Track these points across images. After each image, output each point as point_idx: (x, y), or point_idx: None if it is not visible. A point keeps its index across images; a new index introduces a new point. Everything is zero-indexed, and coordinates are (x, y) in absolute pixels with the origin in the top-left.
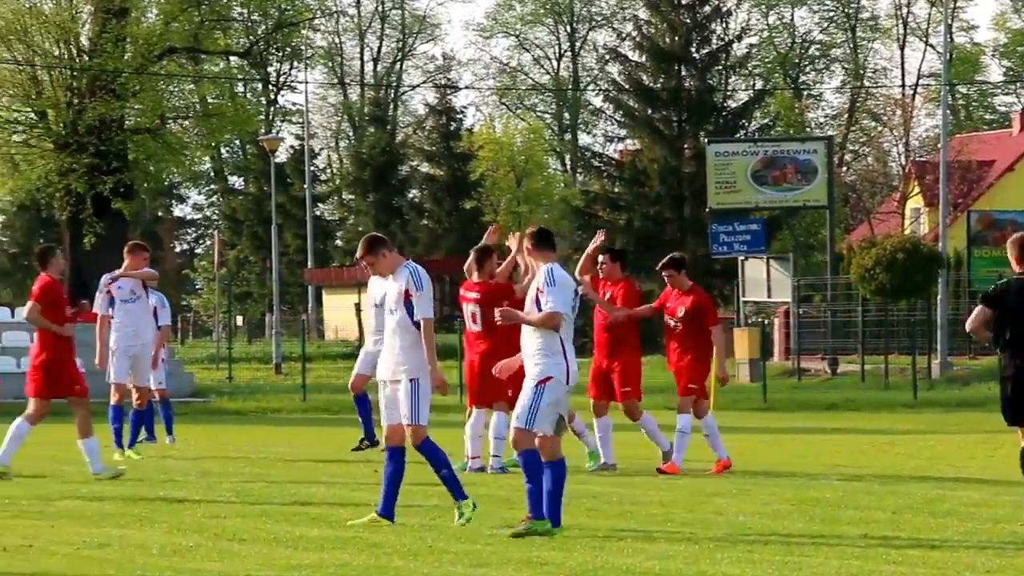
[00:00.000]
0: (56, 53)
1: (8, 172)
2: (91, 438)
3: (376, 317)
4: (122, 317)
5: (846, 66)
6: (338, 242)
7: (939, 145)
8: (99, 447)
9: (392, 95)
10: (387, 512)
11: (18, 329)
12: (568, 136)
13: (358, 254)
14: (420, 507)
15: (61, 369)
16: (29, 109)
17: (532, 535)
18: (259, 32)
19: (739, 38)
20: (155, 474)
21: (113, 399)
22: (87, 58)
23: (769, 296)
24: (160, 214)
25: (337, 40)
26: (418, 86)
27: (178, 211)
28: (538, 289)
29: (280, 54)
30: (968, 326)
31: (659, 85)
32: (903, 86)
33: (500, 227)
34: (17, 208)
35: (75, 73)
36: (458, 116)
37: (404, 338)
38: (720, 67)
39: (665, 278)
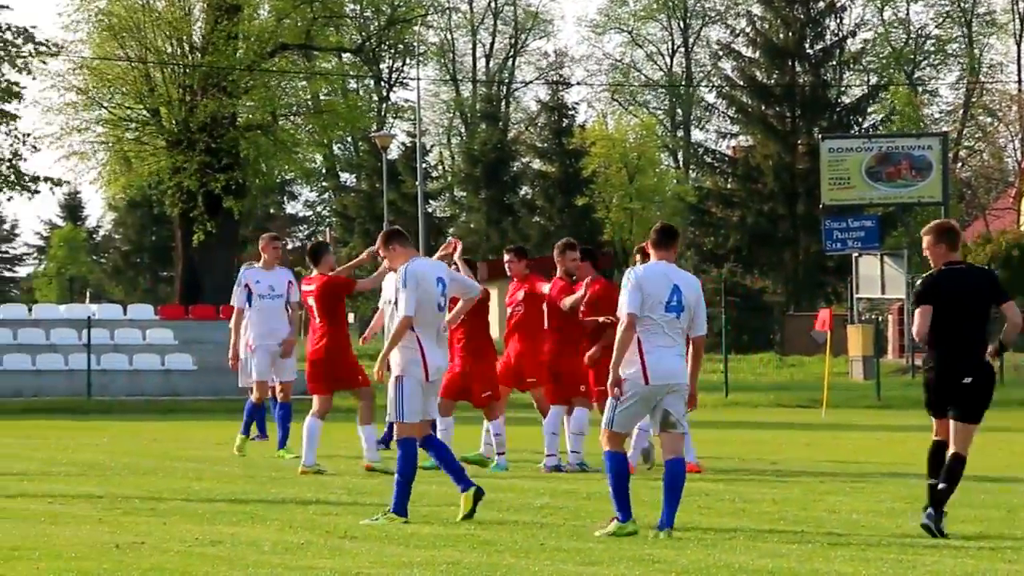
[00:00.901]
0: (169, 50)
1: (121, 169)
2: (370, 425)
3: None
4: (259, 313)
5: (962, 62)
6: (450, 237)
7: None
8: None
9: (504, 91)
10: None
11: (129, 327)
12: (681, 132)
13: (375, 247)
14: (531, 506)
15: (342, 362)
16: (142, 106)
17: (621, 536)
18: (371, 29)
19: (853, 34)
20: (266, 471)
21: (253, 396)
22: (199, 55)
23: (883, 293)
24: (272, 211)
25: (449, 36)
26: (530, 82)
27: (290, 208)
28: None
29: (392, 51)
30: (917, 332)
31: (773, 81)
32: (1020, 82)
33: (458, 242)
34: (129, 205)
35: (187, 70)
36: (570, 112)
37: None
38: (834, 63)
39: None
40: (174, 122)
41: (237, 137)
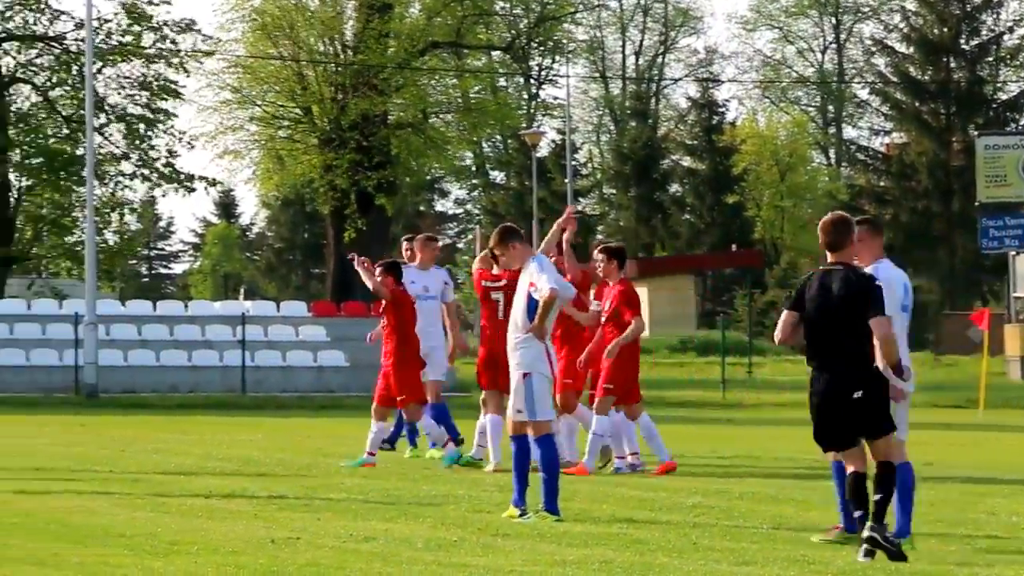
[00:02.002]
0: (321, 49)
1: (274, 167)
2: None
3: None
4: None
5: None
6: (599, 237)
7: None
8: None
9: (654, 89)
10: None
11: (282, 324)
12: (833, 129)
13: (491, 244)
14: (683, 505)
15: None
16: (294, 105)
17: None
18: (521, 26)
19: (1011, 29)
20: (419, 469)
21: (431, 397)
22: (351, 54)
23: None
24: (422, 209)
25: (599, 34)
26: (680, 79)
27: (439, 206)
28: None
29: (542, 48)
30: (777, 336)
31: (927, 77)
32: None
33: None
34: (282, 203)
35: (339, 69)
36: (720, 110)
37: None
38: (991, 59)
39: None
40: (326, 120)
41: (388, 135)
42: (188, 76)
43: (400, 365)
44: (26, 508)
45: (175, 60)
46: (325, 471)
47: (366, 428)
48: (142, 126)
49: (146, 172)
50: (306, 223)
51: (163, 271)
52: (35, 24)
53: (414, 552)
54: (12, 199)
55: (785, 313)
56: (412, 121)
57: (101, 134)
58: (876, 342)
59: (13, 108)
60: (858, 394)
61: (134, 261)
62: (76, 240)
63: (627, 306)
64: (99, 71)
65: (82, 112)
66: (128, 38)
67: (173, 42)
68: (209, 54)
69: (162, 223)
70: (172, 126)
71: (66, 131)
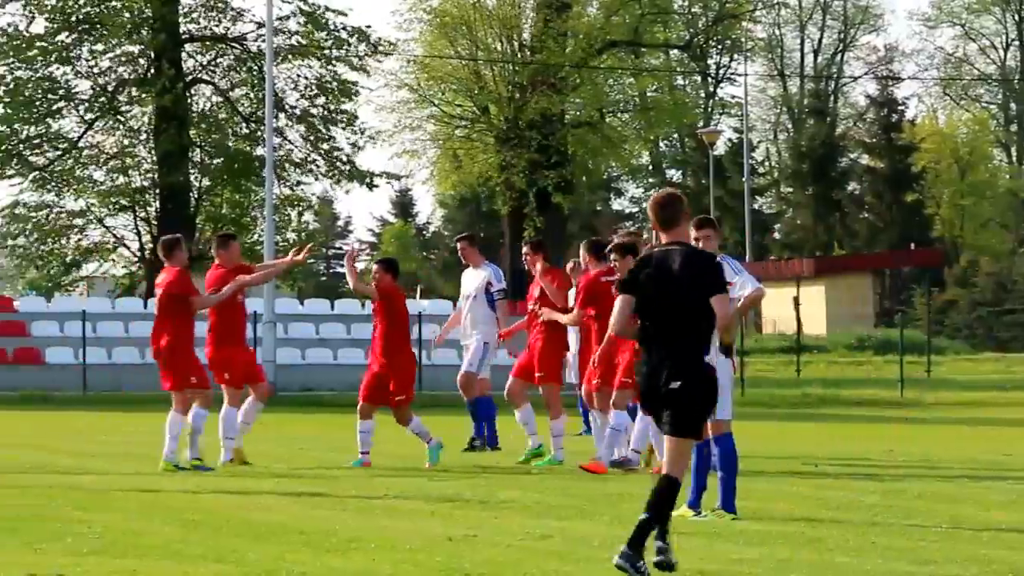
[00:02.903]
0: (499, 48)
1: (451, 166)
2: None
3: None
4: None
5: None
6: (776, 235)
7: None
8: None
9: (832, 87)
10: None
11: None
12: (1015, 127)
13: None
14: (861, 504)
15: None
16: (471, 104)
17: None
18: (699, 25)
19: None
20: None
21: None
22: (529, 53)
23: None
24: (598, 208)
25: (777, 32)
26: (859, 77)
27: (616, 204)
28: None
29: (720, 46)
30: (613, 327)
31: None
32: None
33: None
34: (459, 202)
35: (517, 68)
36: (900, 108)
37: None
38: None
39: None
40: (503, 119)
41: (565, 134)
42: (368, 76)
43: (398, 365)
44: (206, 505)
45: (354, 60)
46: (502, 469)
47: (540, 425)
48: (321, 124)
49: (325, 170)
50: (482, 222)
51: (341, 270)
52: (216, 25)
53: (590, 550)
54: (193, 199)
55: (620, 299)
56: (589, 120)
57: (280, 134)
58: (718, 321)
59: (194, 108)
60: (676, 384)
61: (312, 260)
62: (255, 239)
63: None
64: (278, 70)
65: (261, 112)
66: (306, 40)
67: (349, 44)
68: (388, 53)
69: (340, 222)
70: (351, 124)
71: (246, 131)
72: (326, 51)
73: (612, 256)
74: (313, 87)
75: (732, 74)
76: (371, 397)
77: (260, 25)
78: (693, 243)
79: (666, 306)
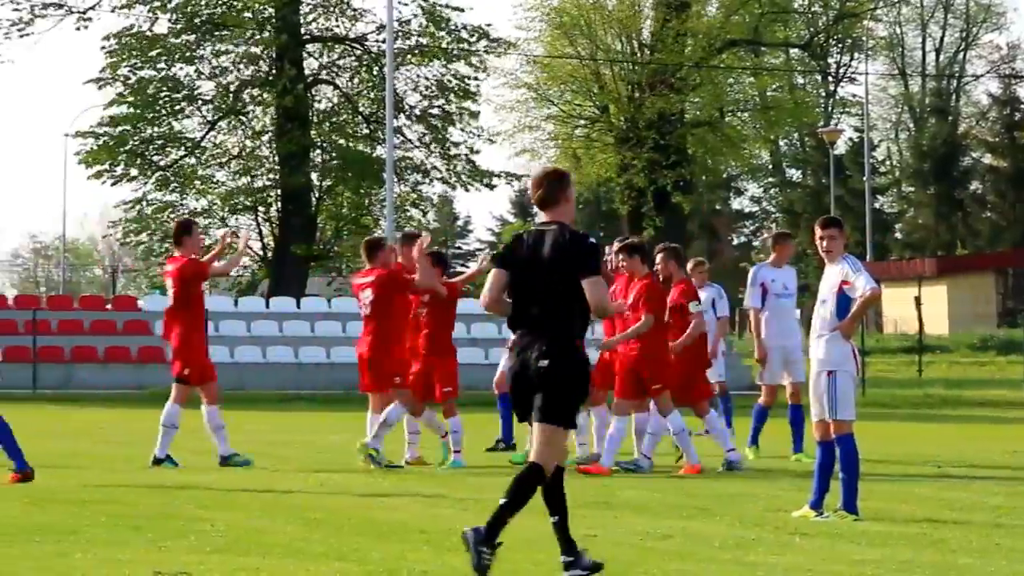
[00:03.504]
0: (618, 47)
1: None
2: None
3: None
4: (773, 313)
5: None
6: (897, 235)
7: None
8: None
9: (954, 85)
10: (816, 504)
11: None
12: None
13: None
14: (985, 505)
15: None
16: (591, 104)
17: None
18: (820, 24)
19: None
20: (714, 467)
21: (763, 400)
22: (648, 52)
23: None
24: (717, 207)
25: (898, 30)
26: (981, 76)
27: (736, 204)
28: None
29: (840, 45)
30: (483, 300)
31: None
32: None
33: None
34: (578, 202)
35: (636, 67)
36: (1023, 106)
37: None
38: None
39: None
40: (622, 119)
41: (684, 133)
42: (487, 76)
43: (446, 358)
44: (329, 504)
45: (474, 60)
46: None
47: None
48: (440, 124)
49: (445, 170)
50: (601, 222)
51: (461, 269)
52: (337, 26)
53: (711, 551)
54: (314, 199)
55: (493, 272)
56: (709, 119)
57: (400, 134)
58: (591, 306)
59: (316, 109)
60: (544, 363)
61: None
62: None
63: (647, 301)
64: (398, 71)
65: (382, 113)
66: (426, 39)
67: (468, 43)
68: (507, 51)
69: (459, 222)
70: (471, 124)
71: (366, 131)
72: (446, 50)
73: (620, 256)
74: (433, 87)
75: (853, 73)
76: (421, 392)
77: (382, 27)
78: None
79: (535, 287)
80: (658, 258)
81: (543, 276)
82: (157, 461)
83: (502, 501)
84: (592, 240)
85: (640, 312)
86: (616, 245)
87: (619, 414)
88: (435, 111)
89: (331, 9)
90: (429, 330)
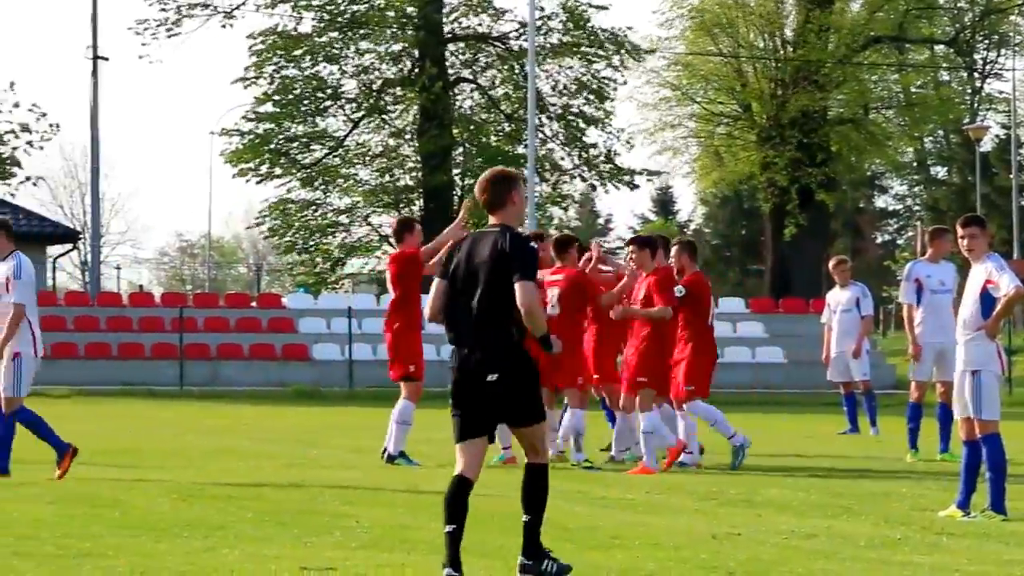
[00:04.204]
0: (760, 45)
1: (712, 164)
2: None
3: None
4: (929, 309)
5: None
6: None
7: None
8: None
9: None
10: (963, 503)
11: (719, 320)
12: None
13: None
14: None
15: None
16: (733, 102)
17: None
18: (966, 19)
19: None
20: (859, 465)
21: (912, 396)
22: (791, 49)
23: None
24: (861, 205)
25: None
26: None
27: (880, 202)
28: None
29: (987, 41)
30: (425, 313)
31: None
32: None
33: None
34: (720, 199)
35: (779, 64)
36: None
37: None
38: None
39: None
40: (765, 117)
41: (828, 131)
42: (625, 82)
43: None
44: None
45: (615, 60)
46: (765, 468)
47: (803, 424)
48: (580, 123)
49: (585, 170)
50: (743, 219)
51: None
52: (479, 25)
53: (856, 550)
54: (456, 197)
55: (435, 282)
56: (852, 116)
57: (542, 132)
58: (520, 308)
59: (457, 108)
60: (492, 377)
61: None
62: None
63: (659, 292)
64: (540, 70)
65: (522, 111)
66: (568, 37)
67: (604, 46)
68: (650, 52)
69: (601, 219)
70: (610, 124)
71: (507, 130)
72: (586, 49)
73: (629, 248)
74: (573, 86)
75: (1000, 69)
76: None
77: (523, 25)
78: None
79: (469, 293)
80: (673, 251)
81: (478, 279)
82: (390, 458)
83: (525, 519)
84: (532, 244)
85: (643, 304)
86: (595, 244)
87: (644, 410)
88: (574, 110)
89: (473, 8)
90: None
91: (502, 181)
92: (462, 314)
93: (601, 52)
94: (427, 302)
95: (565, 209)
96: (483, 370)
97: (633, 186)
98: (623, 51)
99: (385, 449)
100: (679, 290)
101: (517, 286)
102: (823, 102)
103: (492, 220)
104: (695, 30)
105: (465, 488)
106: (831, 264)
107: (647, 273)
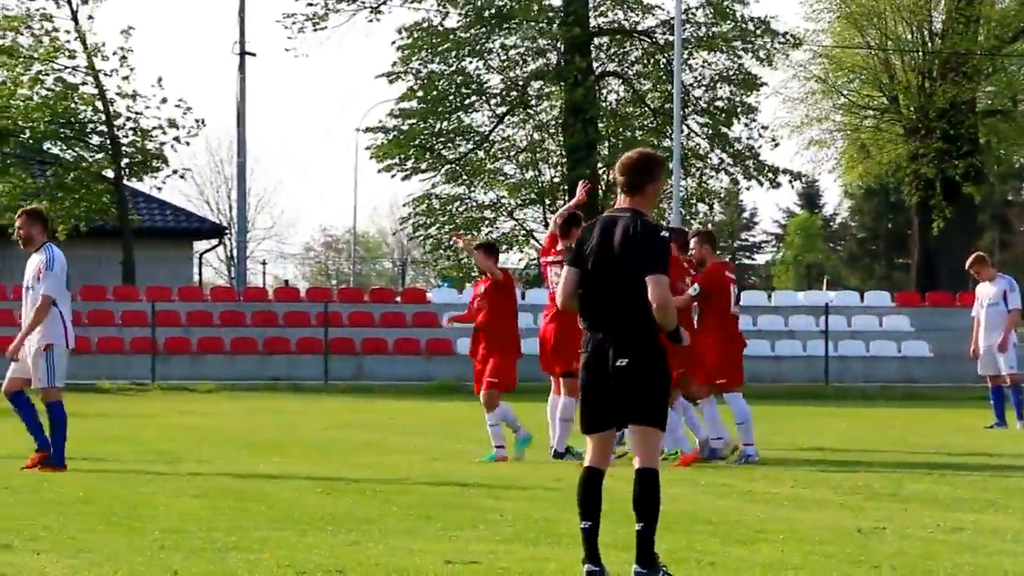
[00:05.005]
0: (908, 37)
1: (858, 157)
2: None
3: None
4: None
5: None
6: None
7: None
8: None
9: None
10: None
11: (865, 314)
12: None
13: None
14: None
15: None
16: (880, 94)
17: None
18: None
19: None
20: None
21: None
22: (938, 41)
23: None
24: (1010, 197)
25: None
26: None
27: None
28: None
29: None
30: (559, 300)
31: None
32: None
33: (588, 185)
34: (866, 192)
35: (926, 57)
36: None
37: None
38: None
39: None
40: (911, 109)
41: (975, 122)
42: (775, 69)
43: (503, 352)
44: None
45: (761, 53)
46: (910, 463)
47: (951, 418)
48: (724, 117)
49: (730, 165)
50: (889, 212)
51: (746, 261)
52: (625, 20)
53: (1003, 544)
54: (600, 192)
55: (566, 270)
56: (1001, 108)
57: (687, 127)
58: (651, 302)
59: (602, 102)
60: (622, 362)
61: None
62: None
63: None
64: (686, 64)
65: (668, 105)
66: (714, 29)
67: (751, 39)
68: (796, 46)
69: (745, 214)
70: (755, 119)
71: (653, 124)
72: (732, 43)
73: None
74: (718, 80)
75: None
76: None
77: (669, 20)
78: None
79: (603, 281)
80: (692, 242)
81: (612, 267)
82: (558, 455)
83: (638, 527)
84: (664, 234)
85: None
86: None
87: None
88: (719, 104)
89: (619, 2)
90: (492, 323)
91: (645, 166)
92: (595, 300)
93: (747, 44)
94: (558, 289)
95: (710, 205)
96: (615, 356)
97: (776, 184)
98: (771, 40)
99: (552, 447)
100: (694, 289)
101: (649, 280)
102: (971, 94)
103: (623, 201)
104: (841, 22)
105: (596, 480)
106: (967, 263)
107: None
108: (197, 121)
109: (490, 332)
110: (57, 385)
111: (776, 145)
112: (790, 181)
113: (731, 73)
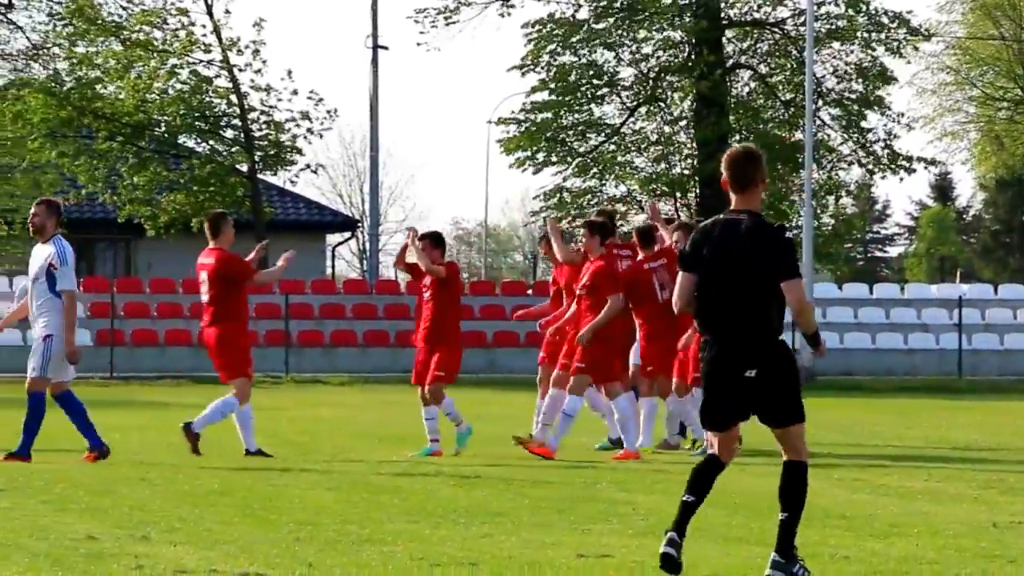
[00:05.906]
0: None
1: (992, 149)
2: None
3: None
4: None
5: None
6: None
7: None
8: None
9: None
10: None
11: (1000, 307)
12: None
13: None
14: None
15: None
16: (1015, 86)
17: None
18: None
19: None
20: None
21: None
22: None
23: None
24: None
25: None
26: None
27: None
28: None
29: None
30: (676, 305)
31: None
32: None
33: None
34: (1000, 184)
35: None
36: None
37: None
38: None
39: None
40: None
41: None
42: (908, 63)
43: (449, 345)
44: (749, 488)
45: (892, 45)
46: None
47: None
48: (857, 110)
49: (863, 156)
50: (1023, 205)
51: (878, 254)
52: (757, 11)
53: None
54: None
55: (681, 276)
56: None
57: (819, 119)
58: (789, 308)
59: (733, 95)
60: (751, 373)
61: (850, 244)
62: (794, 224)
63: (605, 282)
64: (817, 55)
65: (800, 97)
66: (843, 23)
67: (889, 28)
68: (927, 38)
69: (878, 206)
70: (888, 110)
71: (784, 116)
72: (865, 35)
73: (675, 235)
74: (851, 72)
75: None
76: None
77: (800, 11)
78: None
79: (724, 286)
80: (676, 235)
81: (735, 272)
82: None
83: (782, 517)
84: (788, 235)
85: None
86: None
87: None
88: (852, 95)
89: None
90: (434, 315)
91: (750, 159)
92: (715, 306)
93: (884, 33)
94: (675, 294)
95: (838, 199)
96: (741, 365)
97: (910, 170)
98: (905, 30)
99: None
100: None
101: (785, 286)
102: None
103: (736, 202)
104: (975, 13)
105: (716, 468)
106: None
107: (593, 258)
108: (329, 112)
109: (436, 325)
110: (48, 376)
111: (911, 129)
112: (925, 167)
113: (865, 64)
